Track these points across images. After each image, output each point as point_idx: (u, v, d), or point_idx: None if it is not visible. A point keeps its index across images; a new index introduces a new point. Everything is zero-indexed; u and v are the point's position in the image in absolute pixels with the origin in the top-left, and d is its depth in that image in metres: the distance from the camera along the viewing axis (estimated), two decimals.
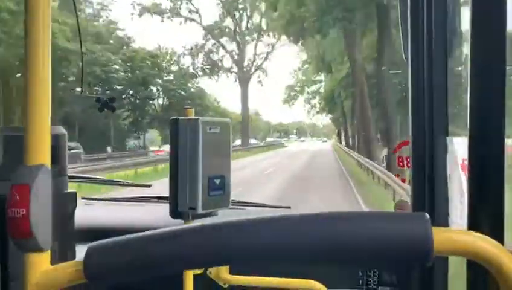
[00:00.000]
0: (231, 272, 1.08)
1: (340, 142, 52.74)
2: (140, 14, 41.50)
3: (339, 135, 56.86)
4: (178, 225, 0.59)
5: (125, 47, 35.21)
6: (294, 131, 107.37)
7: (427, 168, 1.07)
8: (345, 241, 0.45)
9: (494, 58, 0.54)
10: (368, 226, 0.45)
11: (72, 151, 21.45)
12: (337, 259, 0.48)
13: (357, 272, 1.30)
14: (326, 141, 77.18)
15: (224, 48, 48.77)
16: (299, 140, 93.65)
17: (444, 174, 1.01)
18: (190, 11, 45.36)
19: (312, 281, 1.09)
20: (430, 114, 1.05)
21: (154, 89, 36.78)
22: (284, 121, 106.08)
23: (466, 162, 0.84)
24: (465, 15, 0.88)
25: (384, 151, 19.25)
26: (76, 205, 1.05)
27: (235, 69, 49.75)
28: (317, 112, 54.22)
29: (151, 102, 37.22)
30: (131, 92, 34.61)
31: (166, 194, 1.04)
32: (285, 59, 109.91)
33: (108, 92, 30.65)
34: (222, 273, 1.07)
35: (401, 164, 1.23)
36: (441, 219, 1.01)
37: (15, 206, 0.51)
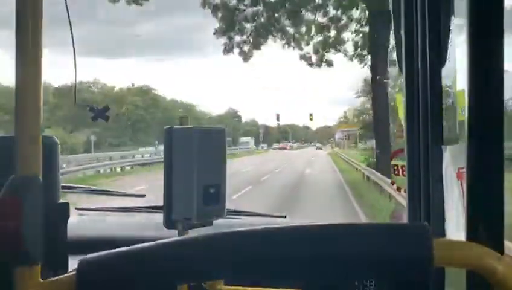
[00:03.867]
0: (226, 283, 1.06)
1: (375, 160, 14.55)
2: None
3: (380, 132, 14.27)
4: (172, 235, 0.59)
5: None
6: (260, 134, 66.77)
7: (423, 176, 1.06)
8: (343, 254, 0.44)
9: (493, 62, 0.53)
10: (367, 237, 0.44)
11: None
12: (336, 272, 0.47)
13: (353, 282, 1.29)
14: (321, 149, 61.25)
15: None
16: (272, 148, 60.47)
17: (440, 182, 1.00)
18: None
19: None
20: (425, 122, 1.04)
21: None
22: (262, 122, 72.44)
23: (462, 171, 0.84)
24: (460, 19, 0.88)
25: None
26: (68, 216, 1.03)
27: None
28: None
29: None
30: None
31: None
32: None
33: None
34: (217, 284, 1.05)
35: (396, 172, 1.23)
36: (437, 227, 1.00)
37: (5, 219, 0.50)
